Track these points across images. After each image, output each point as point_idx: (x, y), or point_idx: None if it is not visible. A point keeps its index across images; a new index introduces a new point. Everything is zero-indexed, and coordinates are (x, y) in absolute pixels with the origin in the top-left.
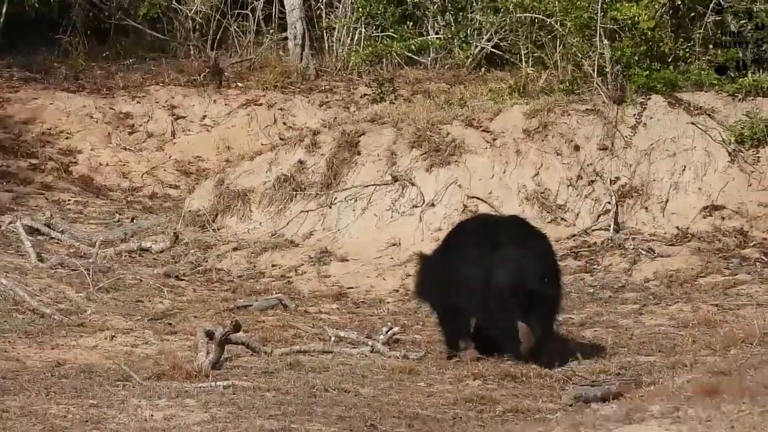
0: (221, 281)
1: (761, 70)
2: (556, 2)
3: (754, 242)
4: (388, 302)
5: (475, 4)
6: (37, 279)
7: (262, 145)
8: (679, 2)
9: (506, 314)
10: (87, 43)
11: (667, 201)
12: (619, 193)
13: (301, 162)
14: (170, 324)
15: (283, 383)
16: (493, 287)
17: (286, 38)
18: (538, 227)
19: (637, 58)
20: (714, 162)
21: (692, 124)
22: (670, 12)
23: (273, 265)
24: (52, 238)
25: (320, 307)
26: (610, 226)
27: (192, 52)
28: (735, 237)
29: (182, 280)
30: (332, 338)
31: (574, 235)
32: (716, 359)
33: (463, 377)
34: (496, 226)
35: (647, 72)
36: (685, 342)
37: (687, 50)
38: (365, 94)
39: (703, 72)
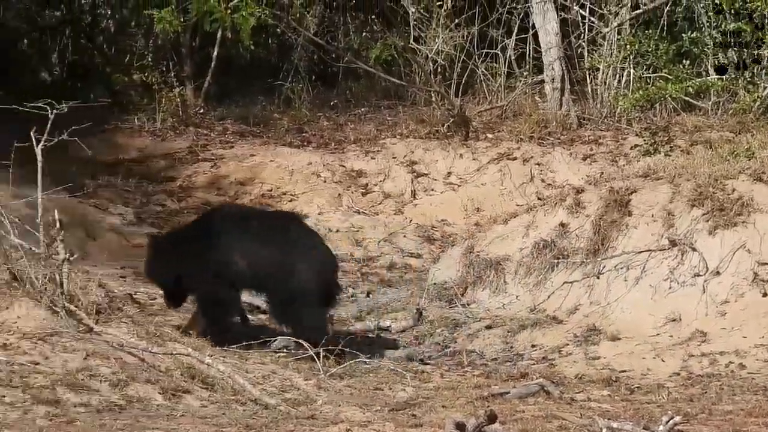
0: (473, 365)
1: None
2: None
3: None
4: (668, 387)
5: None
6: (260, 365)
7: (517, 205)
8: None
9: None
10: (311, 91)
11: None
12: None
13: (562, 225)
14: (414, 415)
15: None
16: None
17: (542, 81)
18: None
19: None
20: None
21: None
22: None
23: (533, 346)
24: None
25: (589, 393)
26: None
27: (433, 98)
28: None
29: (427, 363)
30: (603, 430)
31: None
32: None
33: None
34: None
35: None
36: None
37: None
38: (636, 145)
39: None
